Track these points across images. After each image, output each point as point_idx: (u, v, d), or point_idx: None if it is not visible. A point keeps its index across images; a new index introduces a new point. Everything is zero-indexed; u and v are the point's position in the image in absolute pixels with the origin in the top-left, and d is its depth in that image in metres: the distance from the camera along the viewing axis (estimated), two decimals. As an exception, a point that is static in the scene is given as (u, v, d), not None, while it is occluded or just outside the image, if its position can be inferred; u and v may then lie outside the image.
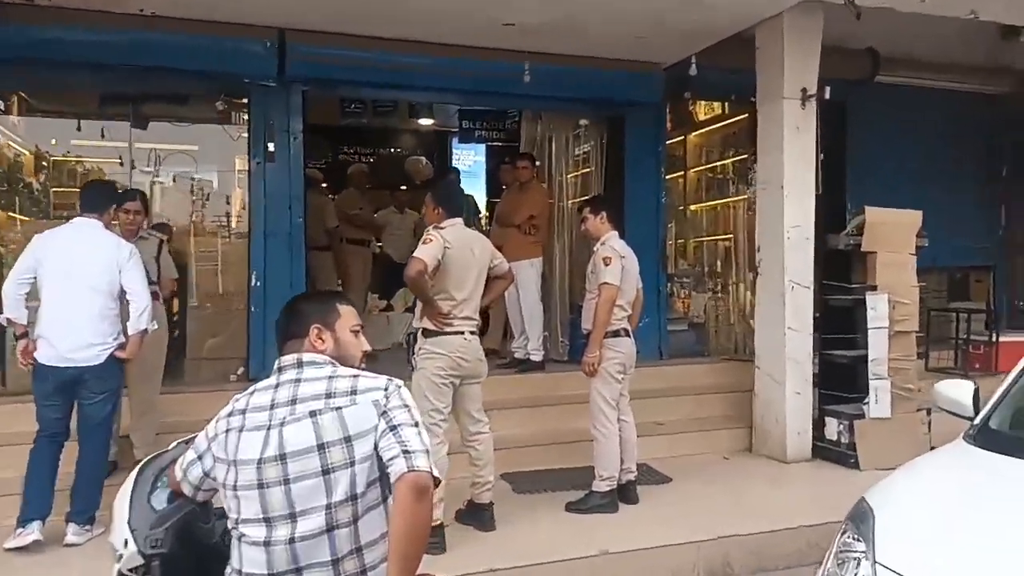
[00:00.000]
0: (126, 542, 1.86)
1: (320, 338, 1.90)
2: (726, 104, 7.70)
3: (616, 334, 4.39)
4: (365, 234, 7.38)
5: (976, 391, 3.01)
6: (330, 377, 1.82)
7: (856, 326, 5.44)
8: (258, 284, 5.68)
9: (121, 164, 6.50)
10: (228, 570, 1.79)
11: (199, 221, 6.82)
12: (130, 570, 1.85)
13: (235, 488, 1.76)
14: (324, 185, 7.95)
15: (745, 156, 7.38)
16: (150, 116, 6.33)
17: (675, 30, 5.59)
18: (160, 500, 1.95)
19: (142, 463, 2.04)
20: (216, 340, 6.04)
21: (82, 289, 3.90)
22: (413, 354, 3.98)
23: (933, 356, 7.11)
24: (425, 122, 9.73)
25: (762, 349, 5.62)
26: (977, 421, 2.86)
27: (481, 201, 9.38)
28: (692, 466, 5.22)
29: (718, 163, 8.09)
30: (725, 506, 4.47)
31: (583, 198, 6.37)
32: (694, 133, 8.33)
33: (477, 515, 4.08)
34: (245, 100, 5.82)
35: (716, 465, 5.36)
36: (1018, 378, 2.93)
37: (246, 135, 5.86)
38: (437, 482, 1.72)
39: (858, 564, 2.26)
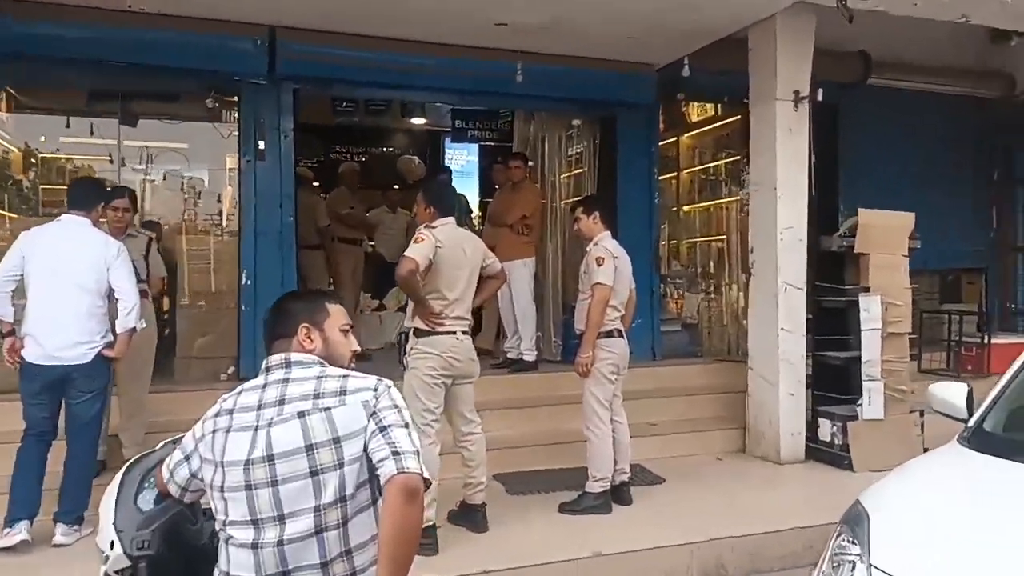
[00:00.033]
0: (112, 544, 1.83)
1: (309, 337, 1.86)
2: (719, 105, 7.72)
3: (609, 335, 4.37)
4: (357, 233, 7.34)
5: (970, 393, 3.01)
6: (319, 377, 1.79)
7: (849, 327, 5.44)
8: (248, 283, 5.65)
9: (111, 162, 6.45)
10: (216, 572, 1.76)
11: (190, 219, 6.77)
12: (116, 572, 1.81)
13: (222, 489, 1.73)
14: (316, 184, 7.91)
15: (738, 157, 7.40)
16: (139, 113, 6.30)
17: (667, 31, 5.59)
18: (147, 501, 1.91)
19: (128, 463, 2.00)
20: (206, 339, 6.00)
21: (69, 287, 3.86)
22: (405, 354, 3.95)
23: (925, 358, 7.15)
24: (418, 121, 9.71)
25: (755, 350, 5.62)
26: (971, 423, 2.86)
27: (474, 201, 9.36)
28: (685, 467, 5.21)
29: (711, 164, 8.11)
30: (719, 507, 4.46)
31: (576, 198, 6.36)
32: (687, 134, 8.35)
33: (470, 516, 4.06)
34: (235, 98, 5.79)
35: (709, 466, 5.35)
36: (1012, 380, 2.93)
37: (236, 133, 5.83)
38: (428, 484, 1.69)
39: (853, 567, 2.25)
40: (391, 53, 5.63)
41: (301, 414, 1.72)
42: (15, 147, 6.43)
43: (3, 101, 6.17)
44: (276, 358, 1.84)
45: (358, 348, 1.98)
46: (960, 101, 7.57)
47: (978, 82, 7.51)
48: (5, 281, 3.85)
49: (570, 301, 5.91)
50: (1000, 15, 5.46)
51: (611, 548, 3.84)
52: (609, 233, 4.57)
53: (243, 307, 5.65)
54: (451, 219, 4.03)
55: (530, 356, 6.16)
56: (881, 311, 5.30)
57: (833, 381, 5.51)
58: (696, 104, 8.12)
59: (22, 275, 3.87)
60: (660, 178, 7.21)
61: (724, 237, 7.66)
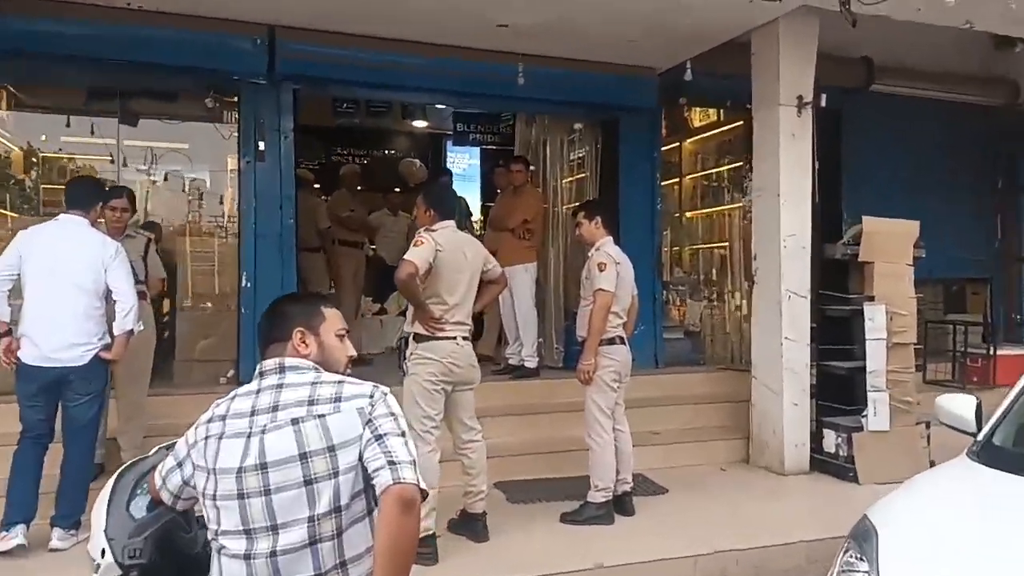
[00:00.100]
0: (103, 552, 1.79)
1: (304, 342, 1.82)
2: (721, 110, 7.69)
3: (611, 342, 4.33)
4: (358, 236, 7.31)
5: (979, 406, 2.96)
6: (313, 383, 1.74)
7: (853, 337, 5.40)
8: (248, 285, 5.60)
9: (112, 161, 6.42)
10: (208, 583, 1.71)
11: (190, 220, 6.73)
12: (108, 581, 1.76)
13: (215, 498, 1.68)
14: (317, 186, 7.88)
15: (740, 163, 7.37)
16: (139, 113, 6.27)
17: (668, 34, 5.57)
18: (139, 508, 1.86)
19: (121, 469, 1.96)
20: (206, 342, 5.96)
21: (66, 287, 3.82)
22: (404, 359, 3.91)
23: (930, 369, 7.10)
24: (419, 124, 9.70)
25: (759, 359, 5.57)
26: (980, 437, 2.81)
27: (475, 205, 9.33)
28: (689, 477, 5.16)
29: (713, 170, 8.07)
30: (723, 519, 4.41)
31: (578, 203, 6.32)
32: (689, 139, 8.32)
33: (470, 525, 4.01)
34: (235, 98, 5.75)
35: (713, 476, 5.30)
36: (1021, 393, 2.88)
37: (236, 134, 5.79)
38: (425, 494, 1.64)
39: (861, 583, 2.20)
40: (391, 54, 5.60)
41: (295, 421, 1.67)
42: (16, 146, 6.39)
43: (3, 100, 6.14)
44: (270, 363, 1.79)
45: (354, 353, 1.94)
46: (964, 108, 7.52)
47: (982, 89, 7.48)
48: (1, 280, 3.81)
49: (572, 307, 5.86)
50: (1004, 21, 5.42)
51: (613, 559, 3.79)
52: (611, 238, 4.54)
53: (243, 310, 5.61)
54: (451, 222, 3.99)
55: (531, 362, 6.12)
56: (886, 321, 5.25)
57: (837, 391, 5.46)
58: (699, 109, 8.09)
59: (19, 275, 3.83)
60: (662, 183, 7.18)
61: (727, 244, 7.64)
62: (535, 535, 4.11)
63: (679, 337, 7.09)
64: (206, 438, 1.72)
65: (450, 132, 9.46)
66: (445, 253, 3.80)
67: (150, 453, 1.99)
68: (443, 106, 8.21)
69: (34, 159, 6.54)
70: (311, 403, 1.69)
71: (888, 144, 7.33)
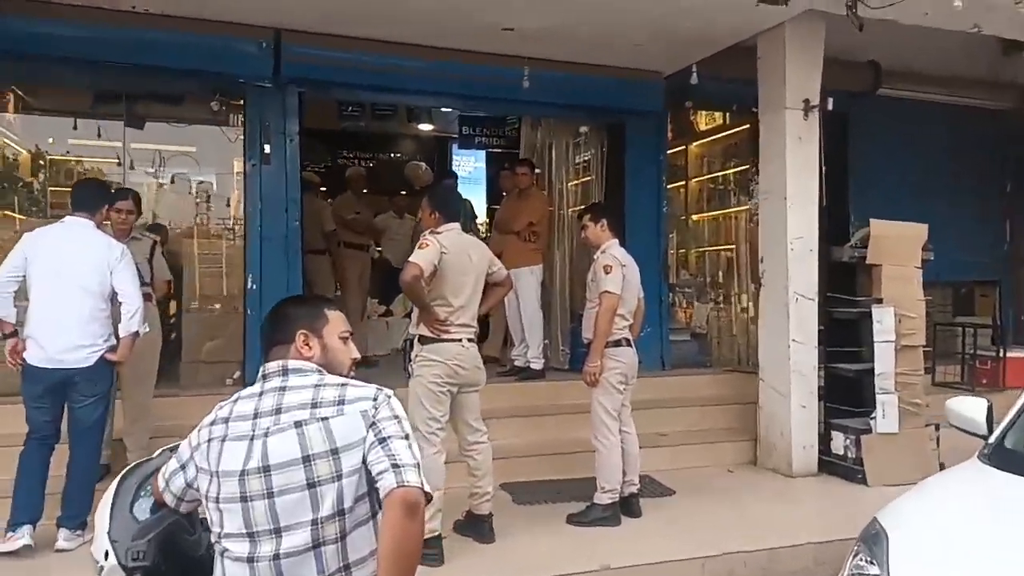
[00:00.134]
0: (106, 554, 1.77)
1: (307, 344, 1.80)
2: (727, 114, 7.68)
3: (617, 344, 4.32)
4: (364, 239, 7.31)
5: (990, 408, 2.94)
6: (316, 385, 1.72)
7: (861, 339, 5.37)
8: (254, 287, 5.61)
9: (119, 164, 6.43)
10: (211, 586, 1.70)
11: (196, 223, 6.74)
12: (111, 583, 1.75)
13: (217, 500, 1.67)
14: (323, 189, 7.89)
15: (747, 167, 7.37)
16: (145, 116, 6.27)
17: (674, 38, 5.56)
18: (143, 510, 1.85)
19: (124, 471, 1.95)
20: (212, 343, 5.96)
21: (72, 289, 3.82)
22: (410, 361, 3.89)
23: (939, 371, 7.07)
24: (425, 127, 9.70)
25: (766, 361, 5.55)
26: (992, 440, 2.78)
27: (481, 208, 9.32)
28: (696, 479, 5.14)
29: (719, 173, 8.06)
30: (730, 521, 4.38)
31: (583, 206, 6.31)
32: (695, 143, 8.31)
33: (476, 526, 3.99)
34: (241, 101, 5.76)
35: (720, 478, 5.27)
36: (1033, 395, 2.85)
37: (242, 137, 5.80)
38: (429, 498, 1.63)
39: (872, 587, 2.18)
40: (396, 57, 5.60)
41: (298, 424, 1.66)
42: (24, 149, 6.41)
43: (11, 103, 6.16)
44: (273, 365, 1.78)
45: (358, 356, 1.92)
46: (972, 112, 7.50)
47: (990, 93, 7.46)
48: (7, 282, 3.81)
49: (578, 309, 5.84)
50: (1012, 26, 5.40)
51: (620, 561, 3.77)
52: (617, 241, 4.52)
53: (249, 311, 5.61)
54: (456, 225, 3.98)
55: (537, 364, 6.10)
56: (894, 323, 5.22)
57: (846, 393, 5.43)
58: (705, 112, 8.08)
59: (24, 276, 3.83)
60: (668, 186, 7.17)
61: (733, 246, 7.62)
62: (541, 537, 4.09)
63: (685, 339, 7.06)
64: (209, 440, 1.71)
65: (456, 135, 9.44)
66: (450, 255, 3.79)
67: (154, 455, 1.97)
68: (448, 109, 8.21)
69: (41, 162, 6.55)
70: (314, 406, 1.68)
71: (896, 148, 7.30)
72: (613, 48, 5.78)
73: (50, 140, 6.58)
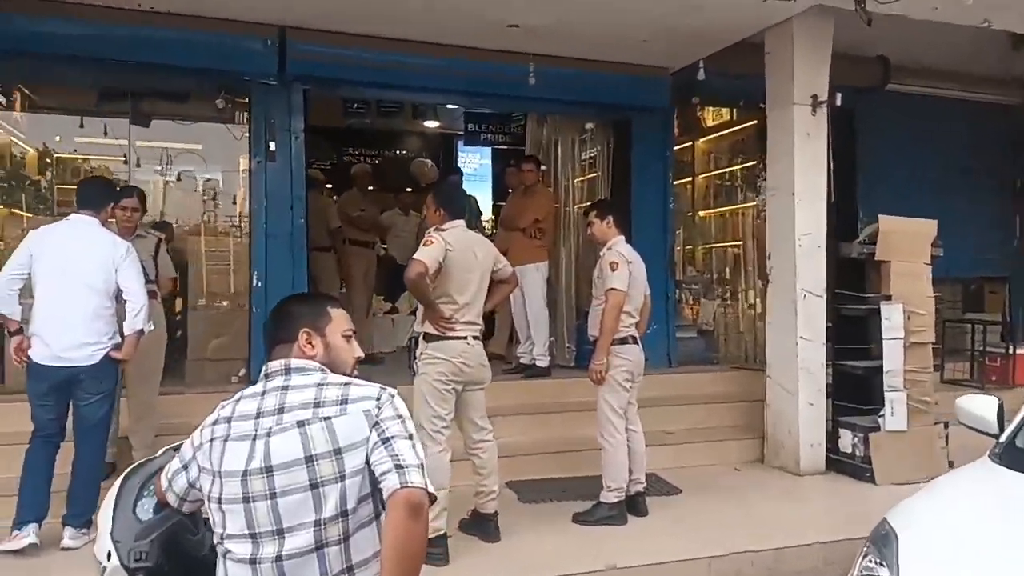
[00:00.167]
0: (109, 554, 1.76)
1: (310, 343, 1.79)
2: (734, 110, 7.63)
3: (624, 341, 4.29)
4: (369, 236, 7.30)
5: (1001, 407, 2.90)
6: (319, 385, 1.71)
7: (870, 336, 5.34)
8: (259, 285, 5.60)
9: (125, 162, 6.44)
10: (214, 587, 1.68)
11: (202, 220, 6.75)
12: (114, 583, 1.74)
13: (220, 501, 1.66)
14: (329, 186, 7.88)
15: (754, 163, 7.33)
16: (150, 113, 6.28)
17: (681, 34, 5.52)
18: (146, 510, 1.84)
19: (127, 471, 1.94)
20: (218, 341, 5.97)
21: (77, 287, 3.82)
22: (415, 359, 3.88)
23: (948, 368, 7.01)
24: (430, 124, 9.69)
25: (773, 358, 5.51)
26: (1003, 439, 2.75)
27: (487, 204, 9.30)
28: (702, 477, 5.11)
29: (726, 169, 8.03)
30: (737, 520, 4.36)
31: (589, 202, 6.29)
32: (702, 139, 8.27)
33: (481, 525, 3.98)
34: (246, 99, 5.74)
35: (727, 476, 5.24)
36: (1046, 393, 2.82)
37: (248, 134, 5.79)
38: (433, 499, 1.61)
39: (881, 589, 2.15)
40: (401, 54, 5.58)
41: (301, 423, 1.64)
42: (31, 147, 6.43)
43: (18, 101, 6.17)
44: (275, 364, 1.76)
45: (361, 354, 1.90)
46: (982, 107, 7.46)
47: (1000, 88, 7.41)
48: (12, 279, 3.81)
49: (584, 306, 5.82)
50: (1022, 20, 5.33)
51: (626, 561, 3.75)
52: (623, 238, 4.49)
53: (254, 309, 5.60)
54: (461, 222, 3.96)
55: (543, 361, 6.08)
56: (903, 320, 5.18)
57: (854, 391, 5.39)
58: (711, 108, 8.03)
59: (30, 274, 3.83)
60: (675, 183, 7.13)
61: (740, 243, 7.58)
62: (547, 536, 4.07)
63: (692, 336, 7.04)
64: (211, 440, 1.69)
65: (461, 132, 9.44)
66: (455, 252, 3.77)
67: (157, 454, 1.97)
68: (454, 106, 8.19)
69: (48, 160, 6.57)
70: (317, 405, 1.66)
71: (904, 143, 7.26)
72: (619, 44, 5.75)
73: (57, 138, 6.60)
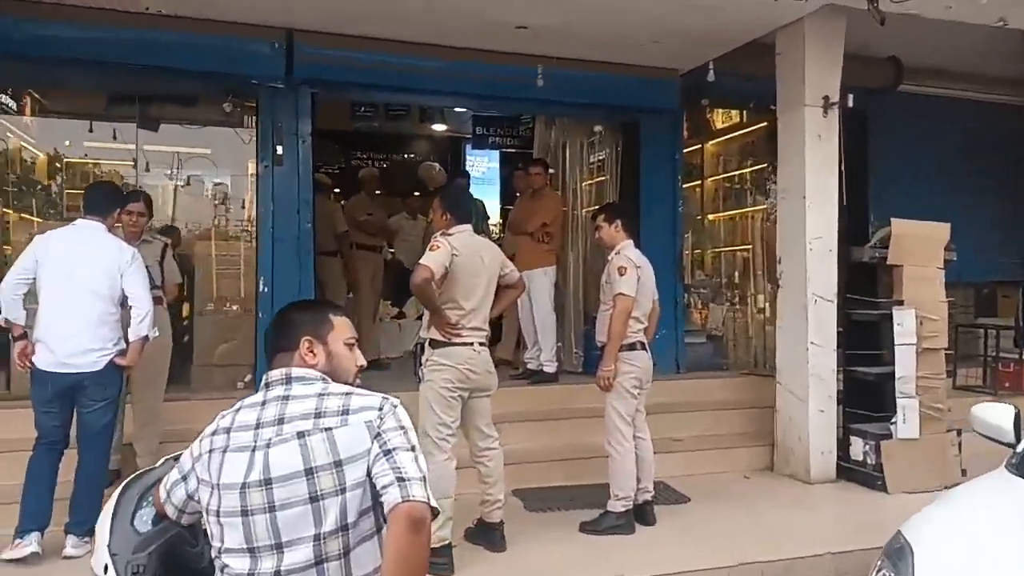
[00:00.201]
0: (106, 567, 1.74)
1: (311, 351, 1.75)
2: (744, 112, 7.58)
3: (632, 347, 4.24)
4: (377, 240, 7.28)
5: (1018, 416, 2.84)
6: (320, 395, 1.67)
7: (881, 342, 5.27)
8: (266, 290, 5.58)
9: (135, 166, 6.45)
10: (211, 603, 1.65)
11: (210, 225, 6.75)
12: (111, 598, 1.71)
13: (218, 514, 1.62)
14: (337, 190, 7.87)
15: (764, 165, 7.28)
16: (158, 117, 6.28)
17: (691, 35, 5.48)
18: (144, 521, 1.81)
19: (126, 481, 1.91)
20: (224, 346, 5.95)
21: (82, 293, 3.80)
22: (420, 365, 3.84)
23: (961, 374, 6.92)
24: (438, 128, 9.68)
25: (783, 364, 5.45)
26: (1020, 449, 2.68)
27: (494, 208, 9.27)
28: (711, 485, 5.05)
29: (736, 172, 7.98)
30: (747, 528, 4.30)
31: (597, 206, 6.25)
32: (712, 141, 8.22)
33: (487, 534, 3.93)
34: (253, 102, 5.74)
35: (736, 484, 5.18)
36: (1064, 402, 2.75)
37: (255, 138, 5.78)
38: (435, 512, 1.58)
39: (896, 604, 2.09)
40: (409, 57, 5.56)
41: (301, 435, 1.61)
42: (41, 152, 6.44)
43: (27, 105, 6.18)
44: (276, 373, 1.73)
45: (364, 363, 1.87)
46: (995, 108, 7.39)
47: (1013, 89, 7.35)
48: (17, 284, 3.79)
49: (591, 311, 5.78)
50: (1040, 19, 5.26)
51: (634, 571, 3.70)
52: (631, 242, 4.44)
53: (260, 314, 5.58)
54: (468, 226, 3.92)
55: (550, 367, 6.04)
56: (916, 325, 5.10)
57: (865, 397, 5.32)
58: (721, 111, 7.99)
59: (34, 279, 3.81)
60: (684, 186, 7.09)
61: (749, 247, 7.53)
62: (553, 545, 4.03)
63: (701, 341, 6.97)
64: (210, 451, 1.66)
65: (469, 135, 9.41)
66: (462, 257, 3.73)
67: (157, 464, 1.94)
68: (462, 109, 8.17)
69: (58, 164, 6.58)
70: (318, 416, 1.63)
71: (917, 145, 7.19)
72: (628, 45, 5.72)
73: (67, 142, 6.61)
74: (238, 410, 1.70)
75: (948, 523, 2.41)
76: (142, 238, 4.53)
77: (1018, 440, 2.74)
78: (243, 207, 6.76)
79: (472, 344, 3.77)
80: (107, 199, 4.11)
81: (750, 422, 5.81)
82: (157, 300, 4.28)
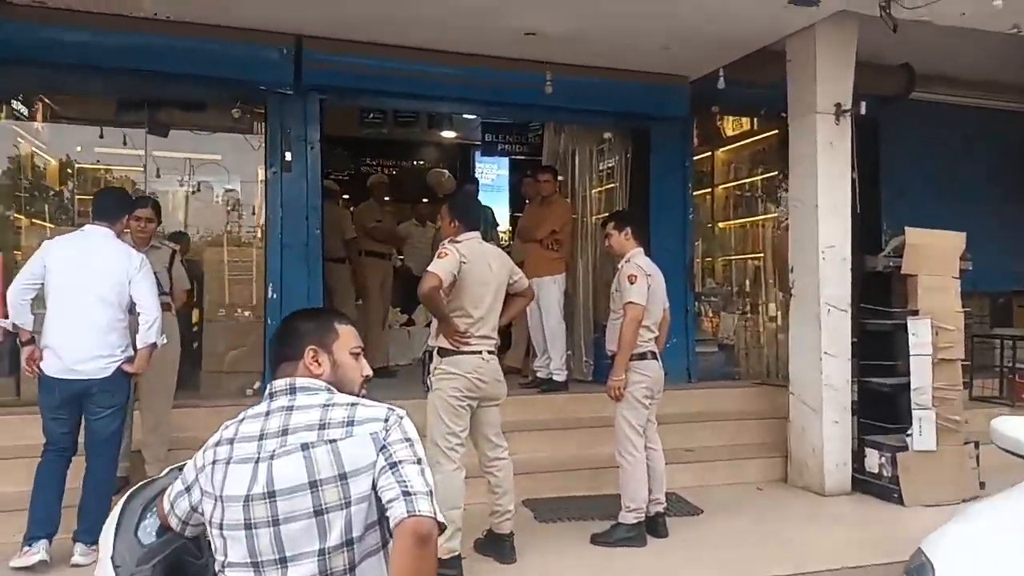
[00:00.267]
0: (108, 580, 1.69)
1: (316, 361, 1.72)
2: (755, 119, 7.54)
3: (642, 356, 4.18)
4: (386, 247, 7.27)
5: (1040, 428, 2.75)
6: (325, 405, 1.63)
7: (896, 352, 5.19)
8: (274, 296, 5.58)
9: (144, 172, 6.46)
10: (214, 618, 1.61)
11: (219, 231, 6.75)
12: (114, 612, 1.68)
13: (221, 527, 1.58)
14: (346, 197, 7.87)
15: (775, 173, 7.23)
16: (167, 123, 6.29)
17: (701, 42, 5.45)
18: (148, 532, 1.77)
19: (130, 491, 1.88)
20: (233, 353, 5.94)
21: (90, 299, 3.79)
22: (428, 374, 3.80)
23: (977, 385, 6.83)
24: (447, 134, 9.68)
25: (797, 374, 5.38)
26: (1044, 462, 2.61)
27: (504, 215, 9.25)
28: (724, 497, 4.98)
29: (747, 180, 7.94)
30: (760, 542, 4.23)
31: (607, 213, 6.21)
32: (722, 149, 8.19)
33: (496, 546, 3.88)
34: (262, 108, 5.75)
35: (749, 497, 5.11)
36: (1088, 414, 2.68)
37: (264, 144, 5.78)
38: (442, 527, 1.53)
39: (919, 624, 2.03)
40: (418, 63, 5.55)
41: (305, 446, 1.57)
42: (53, 157, 6.47)
43: (39, 112, 6.21)
44: (280, 383, 1.70)
45: (370, 373, 1.83)
46: (1010, 115, 7.34)
47: (1025, 97, 7.26)
48: (25, 289, 3.78)
49: (601, 319, 5.73)
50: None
51: (645, 584, 3.65)
52: (641, 250, 4.39)
53: (269, 321, 5.57)
54: (476, 233, 3.89)
55: (560, 376, 5.99)
56: (932, 335, 5.02)
57: (880, 409, 5.24)
58: (731, 118, 7.96)
59: (42, 284, 3.80)
60: (694, 193, 7.05)
61: (761, 255, 7.48)
62: (564, 557, 3.97)
63: (712, 351, 6.92)
64: (213, 463, 1.63)
65: (478, 142, 9.42)
66: (470, 265, 3.70)
67: (162, 474, 1.91)
68: (471, 116, 8.17)
69: (69, 170, 6.60)
70: (322, 427, 1.59)
71: (930, 153, 7.13)
72: (638, 52, 5.69)
73: (78, 148, 6.63)
74: (241, 421, 1.67)
75: (970, 540, 2.34)
76: (150, 244, 4.52)
77: (1040, 454, 2.67)
78: (252, 213, 6.76)
79: (481, 353, 3.73)
80: (116, 205, 4.10)
81: (763, 433, 5.73)
82: (165, 306, 4.28)
